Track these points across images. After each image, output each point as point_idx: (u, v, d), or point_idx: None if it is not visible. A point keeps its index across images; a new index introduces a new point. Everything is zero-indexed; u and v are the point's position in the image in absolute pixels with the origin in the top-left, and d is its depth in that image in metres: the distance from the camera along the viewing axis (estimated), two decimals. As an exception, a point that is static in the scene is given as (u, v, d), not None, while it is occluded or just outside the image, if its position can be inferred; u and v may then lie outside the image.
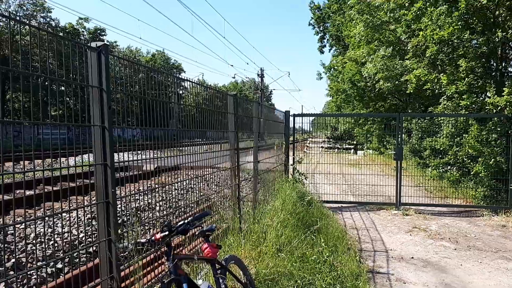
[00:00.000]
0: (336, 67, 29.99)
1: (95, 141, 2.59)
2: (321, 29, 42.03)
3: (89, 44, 2.58)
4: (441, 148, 10.87)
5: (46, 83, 2.57)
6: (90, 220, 5.42)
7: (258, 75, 46.11)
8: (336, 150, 14.96)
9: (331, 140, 16.99)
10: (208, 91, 5.26)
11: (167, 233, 2.48)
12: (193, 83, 4.35)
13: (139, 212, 5.96)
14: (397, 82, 15.64)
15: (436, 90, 12.23)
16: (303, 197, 7.03)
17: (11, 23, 2.15)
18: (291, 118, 9.73)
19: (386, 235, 6.93)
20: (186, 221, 2.62)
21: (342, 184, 10.19)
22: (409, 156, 12.98)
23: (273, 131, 8.75)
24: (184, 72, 64.02)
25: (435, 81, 11.72)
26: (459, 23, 9.94)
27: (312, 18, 41.86)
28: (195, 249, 4.41)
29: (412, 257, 5.75)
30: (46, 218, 4.49)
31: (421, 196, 9.33)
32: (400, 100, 21.33)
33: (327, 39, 41.65)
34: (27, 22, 2.18)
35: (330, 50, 42.16)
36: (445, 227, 7.45)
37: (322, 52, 43.81)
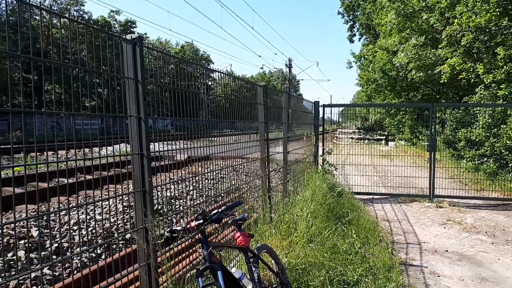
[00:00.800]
0: (366, 56, 29.33)
1: (131, 131, 2.66)
2: (350, 18, 41.16)
3: (124, 37, 2.64)
4: (476, 139, 10.49)
5: (81, 75, 2.65)
6: (126, 208, 5.60)
7: (286, 65, 45.77)
8: (366, 141, 14.69)
9: (361, 130, 16.67)
10: (237, 82, 5.28)
11: (201, 221, 2.53)
12: (225, 75, 4.38)
13: (172, 200, 6.10)
14: (429, 71, 15.15)
15: (472, 80, 11.78)
16: (333, 188, 6.98)
17: (47, 16, 2.23)
18: (321, 109, 9.63)
19: (419, 227, 6.79)
20: (219, 210, 2.66)
21: (373, 175, 10.03)
22: (443, 147, 12.60)
23: (301, 121, 8.70)
24: (213, 63, 64.42)
25: (471, 70, 11.29)
26: (497, 10, 9.51)
27: (341, 6, 41.03)
28: (226, 237, 4.48)
29: (447, 250, 5.62)
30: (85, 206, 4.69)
31: (456, 188, 9.06)
32: (433, 89, 20.67)
33: (357, 28, 40.78)
34: (68, 16, 2.25)
35: (360, 39, 41.31)
36: (481, 220, 7.22)
37: (352, 42, 42.97)
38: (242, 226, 3.19)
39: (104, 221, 4.91)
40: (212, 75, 5.20)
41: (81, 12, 40.77)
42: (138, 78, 2.63)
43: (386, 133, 17.96)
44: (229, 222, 3.20)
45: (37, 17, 29.52)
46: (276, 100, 6.76)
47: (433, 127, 8.87)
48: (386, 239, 5.93)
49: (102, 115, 2.67)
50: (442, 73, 12.87)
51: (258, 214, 5.17)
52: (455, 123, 12.28)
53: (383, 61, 21.35)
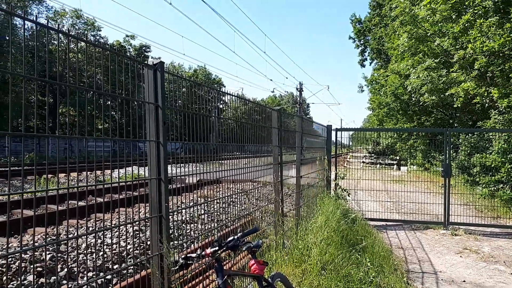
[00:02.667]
0: (378, 80, 29.42)
1: (150, 155, 2.65)
2: (361, 42, 41.74)
3: (146, 62, 2.67)
4: (492, 165, 10.31)
5: (100, 99, 2.67)
6: (137, 232, 5.54)
7: (296, 89, 46.11)
8: (378, 165, 14.54)
9: (372, 155, 16.54)
10: (252, 105, 5.29)
11: (217, 248, 2.48)
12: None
13: (183, 224, 6.04)
14: (442, 95, 15.07)
15: (486, 104, 11.69)
16: (347, 214, 6.86)
17: (65, 40, 2.26)
18: (333, 132, 9.58)
19: (434, 256, 6.61)
20: (235, 237, 2.61)
21: (386, 201, 9.87)
22: (457, 173, 12.39)
23: (313, 145, 8.65)
24: (224, 86, 65.37)
25: (485, 94, 11.22)
26: (511, 34, 9.51)
27: (352, 31, 41.67)
28: (238, 264, 4.39)
29: (464, 281, 5.44)
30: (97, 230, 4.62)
31: (471, 215, 8.84)
32: (446, 114, 20.54)
33: (368, 53, 41.29)
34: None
35: (370, 63, 41.87)
36: (499, 250, 7.01)
37: (363, 66, 43.50)
38: (256, 253, 3.13)
39: (115, 245, 4.85)
40: (223, 98, 5.25)
41: (97, 37, 41.79)
42: (159, 103, 2.63)
43: (397, 158, 17.78)
44: (244, 249, 3.14)
45: (55, 42, 30.06)
46: (289, 123, 6.75)
47: (447, 152, 8.76)
48: (401, 267, 5.77)
49: (122, 139, 2.66)
50: (455, 97, 12.79)
51: (271, 240, 5.08)
52: (469, 148, 12.09)
53: (395, 85, 21.35)
